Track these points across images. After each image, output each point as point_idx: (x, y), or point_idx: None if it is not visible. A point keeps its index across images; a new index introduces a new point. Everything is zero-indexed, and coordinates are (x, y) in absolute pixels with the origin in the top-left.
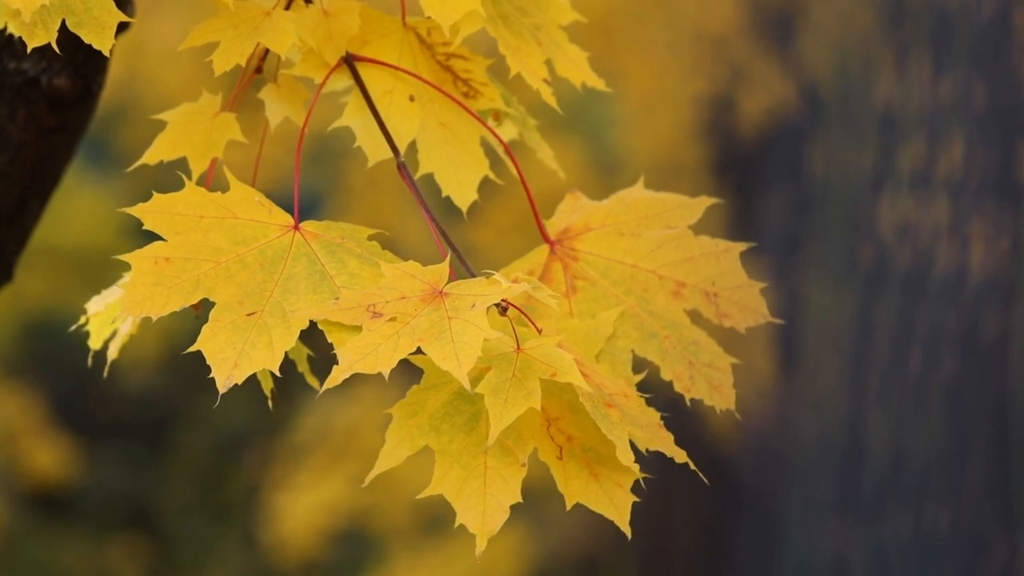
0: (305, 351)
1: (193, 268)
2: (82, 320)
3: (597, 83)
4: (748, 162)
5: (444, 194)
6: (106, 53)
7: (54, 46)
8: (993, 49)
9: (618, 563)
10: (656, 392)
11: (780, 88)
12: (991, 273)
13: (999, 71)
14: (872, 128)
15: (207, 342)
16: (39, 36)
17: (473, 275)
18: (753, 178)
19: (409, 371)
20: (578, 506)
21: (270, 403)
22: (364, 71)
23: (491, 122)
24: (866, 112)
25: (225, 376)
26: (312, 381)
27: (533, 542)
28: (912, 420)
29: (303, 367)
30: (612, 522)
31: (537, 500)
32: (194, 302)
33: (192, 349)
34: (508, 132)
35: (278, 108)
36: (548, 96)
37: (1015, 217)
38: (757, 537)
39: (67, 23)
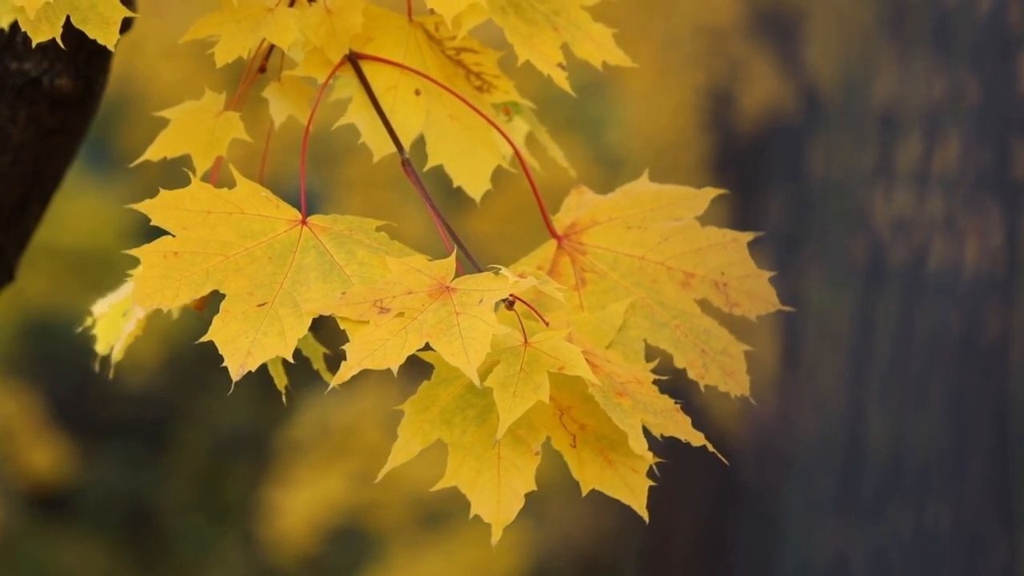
0: (321, 349)
1: (202, 261)
2: (88, 322)
3: (621, 60)
4: (747, 160)
5: (455, 184)
6: (111, 48)
7: (59, 42)
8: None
9: (617, 561)
10: (663, 385)
11: (779, 84)
12: (992, 273)
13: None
14: (872, 126)
15: (218, 332)
16: (44, 32)
17: (479, 270)
18: (752, 177)
19: (409, 368)
20: (578, 503)
21: (284, 399)
22: (368, 67)
23: (502, 116)
24: (866, 110)
25: (239, 364)
26: (328, 378)
27: (533, 540)
28: (912, 419)
29: (319, 365)
30: (612, 521)
31: (537, 499)
32: (204, 294)
33: (204, 339)
34: (520, 128)
35: (282, 107)
36: (562, 80)
37: (1018, 217)
38: (757, 536)
39: (71, 19)
